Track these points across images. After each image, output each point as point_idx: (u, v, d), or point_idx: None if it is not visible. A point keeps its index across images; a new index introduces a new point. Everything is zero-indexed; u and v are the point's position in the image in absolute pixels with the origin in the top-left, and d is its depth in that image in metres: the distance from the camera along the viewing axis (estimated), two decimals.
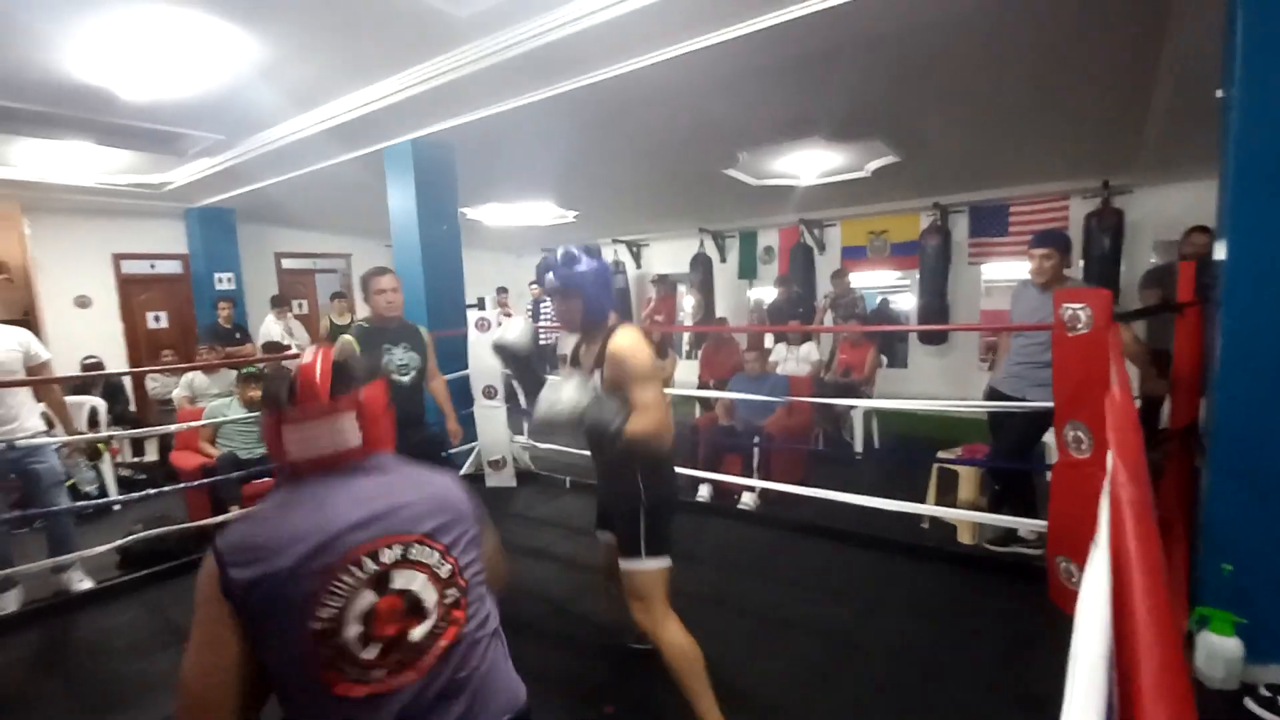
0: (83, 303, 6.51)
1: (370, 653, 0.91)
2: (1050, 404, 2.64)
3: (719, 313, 7.92)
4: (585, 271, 1.81)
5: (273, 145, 4.40)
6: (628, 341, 1.75)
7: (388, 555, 0.94)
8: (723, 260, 8.21)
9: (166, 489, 3.70)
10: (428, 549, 0.98)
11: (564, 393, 1.63)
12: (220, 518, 3.61)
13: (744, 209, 7.05)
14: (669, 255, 8.68)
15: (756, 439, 4.07)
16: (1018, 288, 3.27)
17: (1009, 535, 3.20)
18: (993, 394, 3.27)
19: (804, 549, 3.35)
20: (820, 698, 2.15)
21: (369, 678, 0.91)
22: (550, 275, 1.83)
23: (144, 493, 3.66)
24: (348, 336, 2.80)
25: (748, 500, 4.01)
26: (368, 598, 0.92)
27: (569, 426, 1.63)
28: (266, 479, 4.00)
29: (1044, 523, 2.70)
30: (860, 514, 3.25)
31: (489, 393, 4.55)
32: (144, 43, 2.81)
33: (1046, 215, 5.85)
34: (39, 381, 3.15)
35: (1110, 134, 4.29)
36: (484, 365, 4.44)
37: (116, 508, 4.41)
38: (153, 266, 7.00)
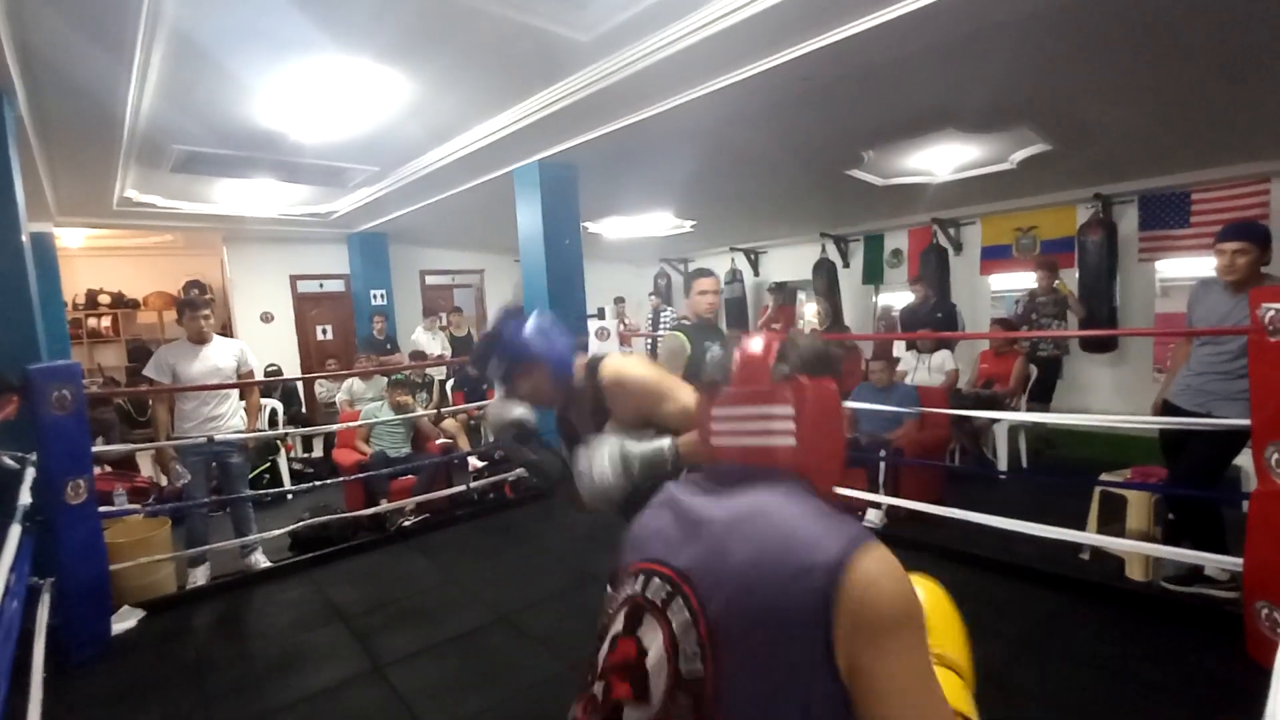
0: (266, 318, 7.52)
1: (597, 689, 0.74)
2: (1245, 421, 2.26)
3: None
4: (532, 332, 1.52)
5: (418, 174, 4.85)
6: (610, 365, 1.53)
7: (652, 587, 0.73)
8: (845, 265, 7.86)
9: (329, 482, 4.15)
10: (684, 604, 0.69)
11: (597, 454, 1.33)
12: (371, 510, 4.01)
13: (869, 211, 6.72)
14: (788, 262, 8.45)
15: (883, 453, 3.84)
16: (1197, 288, 2.83)
17: (1193, 574, 2.75)
18: (1167, 409, 2.85)
19: (937, 573, 3.08)
20: None
21: (581, 709, 0.75)
22: (495, 362, 1.51)
23: (311, 484, 4.14)
24: (679, 333, 2.92)
25: (872, 517, 3.79)
26: (618, 624, 0.75)
27: (622, 484, 1.32)
28: (411, 476, 4.38)
29: (1238, 561, 2.31)
30: (1004, 539, 2.96)
31: None
32: (318, 88, 3.22)
33: (1239, 202, 5.02)
34: (245, 384, 3.71)
35: None
36: None
37: (289, 497, 5.03)
38: (321, 285, 7.94)
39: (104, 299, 7.14)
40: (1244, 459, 2.64)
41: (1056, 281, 5.22)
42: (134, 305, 7.33)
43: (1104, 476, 3.23)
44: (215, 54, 2.81)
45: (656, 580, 0.72)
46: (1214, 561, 2.52)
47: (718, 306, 3.09)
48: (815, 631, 0.60)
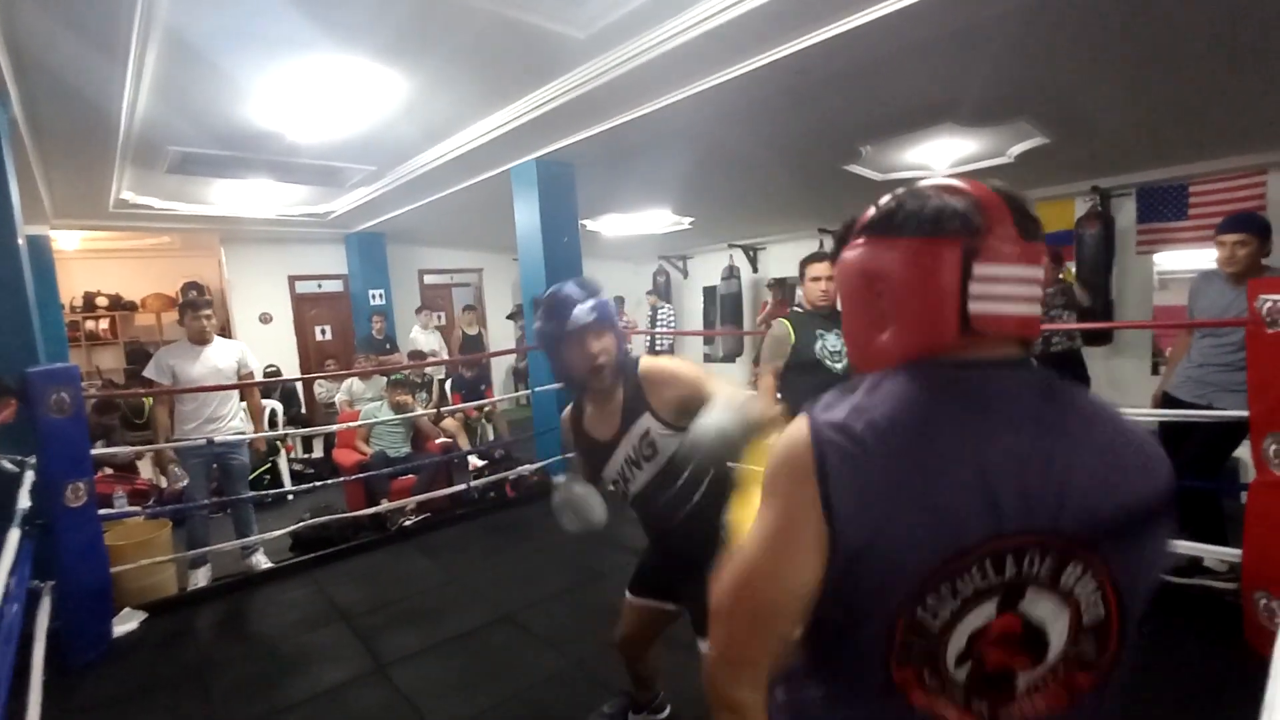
0: (265, 318, 7.51)
1: (960, 673, 0.64)
2: (1245, 413, 2.26)
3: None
4: (606, 300, 1.56)
5: (415, 173, 4.84)
6: (648, 359, 1.56)
7: (1034, 566, 0.62)
8: None
9: (330, 482, 4.15)
10: (1088, 574, 0.63)
11: (711, 418, 1.26)
12: (372, 510, 4.01)
13: (867, 206, 6.70)
14: (787, 258, 8.44)
15: None
16: (1198, 280, 2.84)
17: (1192, 565, 2.77)
18: (1168, 401, 2.86)
19: None
20: None
21: (944, 699, 0.65)
22: (583, 309, 1.49)
23: (311, 485, 4.14)
24: (784, 320, 2.76)
25: None
26: (986, 611, 0.63)
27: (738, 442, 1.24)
28: (411, 475, 4.39)
29: (1237, 551, 2.32)
30: None
31: None
32: (315, 87, 3.21)
33: (1237, 194, 5.02)
34: (244, 385, 3.71)
35: None
36: None
37: (290, 498, 5.03)
38: (319, 286, 7.93)
39: (101, 301, 7.12)
40: (1243, 451, 2.65)
41: (1061, 273, 5.19)
42: (132, 307, 7.31)
43: None
44: (210, 54, 2.80)
45: (1038, 559, 0.62)
46: (1212, 553, 2.53)
47: (832, 293, 2.69)
48: (1168, 517, 0.66)
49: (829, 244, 5.90)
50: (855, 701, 0.67)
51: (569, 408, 1.72)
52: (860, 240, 0.71)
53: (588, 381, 1.55)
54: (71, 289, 6.98)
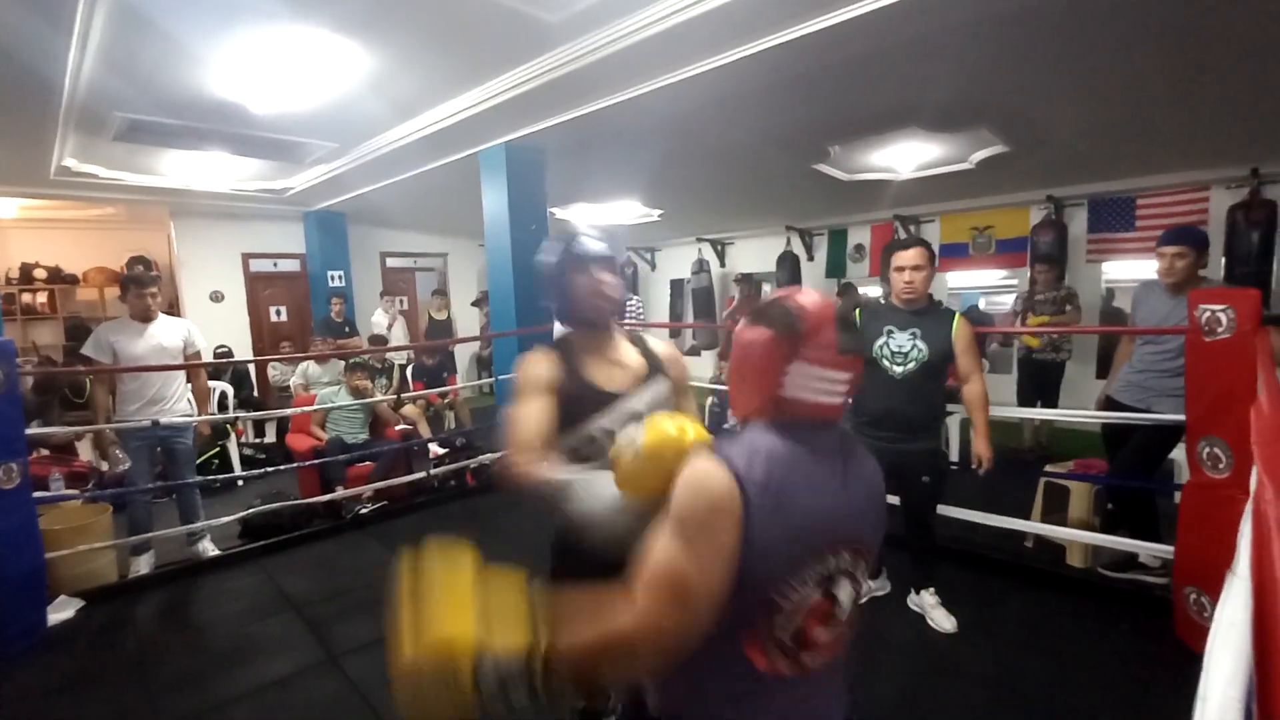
0: (216, 297, 7.23)
1: (787, 638, 0.87)
2: (1181, 417, 2.38)
3: None
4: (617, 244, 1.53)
5: (379, 152, 4.70)
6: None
7: (844, 561, 0.89)
8: (810, 259, 7.97)
9: (283, 468, 4.03)
10: (861, 563, 0.92)
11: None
12: (327, 497, 3.91)
13: (834, 205, 6.81)
14: (754, 254, 8.53)
15: None
16: (1140, 289, 2.96)
17: (1128, 561, 2.90)
18: (1110, 404, 2.98)
19: (891, 562, 3.19)
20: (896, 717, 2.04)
21: (776, 657, 0.87)
22: (594, 240, 1.44)
23: (263, 470, 4.02)
24: (856, 309, 2.54)
25: None
26: (814, 594, 0.87)
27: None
28: (368, 463, 4.29)
29: (1169, 549, 2.44)
30: (957, 528, 3.06)
31: None
32: (272, 59, 3.08)
33: (1181, 208, 5.26)
34: (192, 366, 3.57)
35: (1264, 114, 3.80)
36: None
37: (240, 483, 4.87)
38: (275, 265, 7.66)
39: (40, 274, 6.75)
40: (1179, 453, 2.78)
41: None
42: (73, 281, 6.95)
43: (1048, 468, 3.37)
44: (161, 19, 2.66)
45: (845, 555, 0.89)
46: (1147, 549, 2.66)
47: (919, 287, 2.41)
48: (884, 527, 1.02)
49: (796, 242, 5.94)
50: (717, 675, 0.88)
51: (538, 349, 1.45)
52: (747, 319, 0.93)
53: (593, 316, 1.42)
54: (7, 260, 6.61)
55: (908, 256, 2.42)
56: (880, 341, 2.43)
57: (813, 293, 0.92)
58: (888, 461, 2.14)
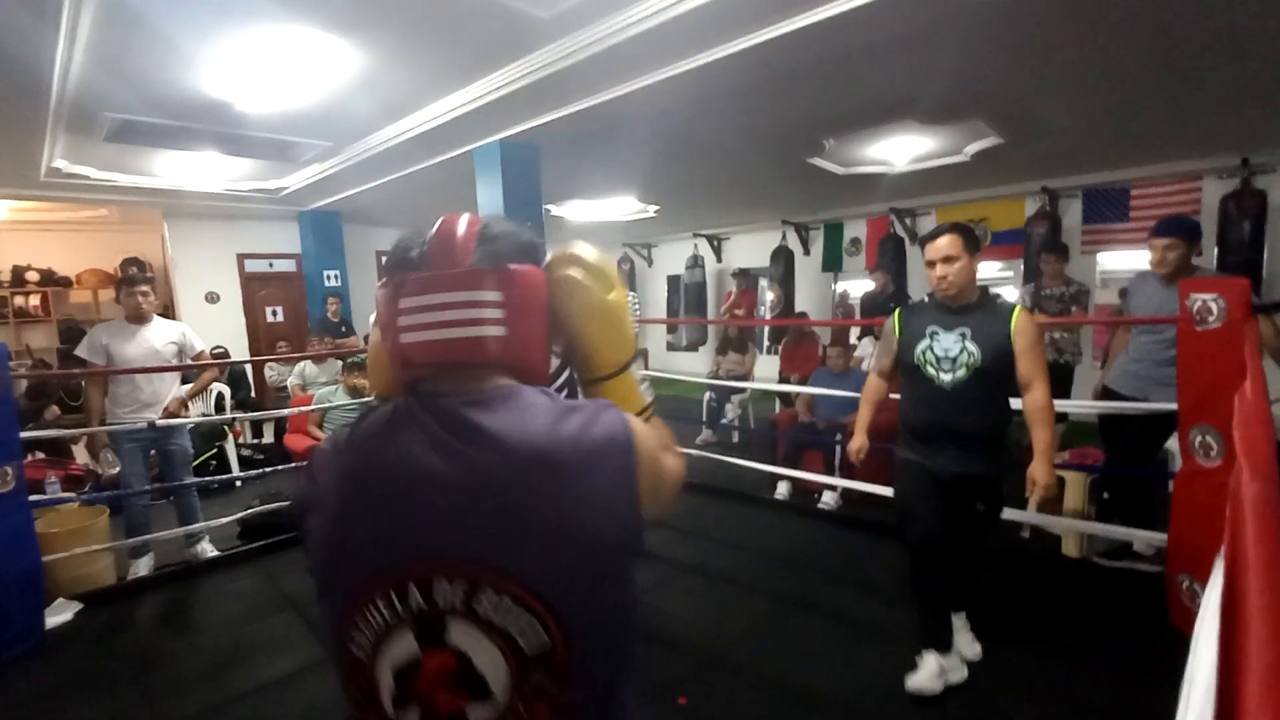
0: (212, 298, 7.20)
1: (408, 717, 0.60)
2: (1175, 406, 2.39)
3: (801, 306, 7.71)
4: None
5: (373, 150, 4.69)
6: None
7: (443, 594, 0.59)
8: (806, 253, 7.98)
9: (281, 468, 4.03)
10: (512, 605, 0.58)
11: None
12: None
13: (829, 199, 6.82)
14: (751, 248, 8.53)
15: (839, 437, 3.94)
16: (1135, 279, 2.98)
17: (1123, 549, 2.93)
18: (1106, 394, 3.00)
19: (890, 552, 3.21)
20: (905, 714, 2.06)
21: None
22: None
23: (261, 471, 4.01)
24: (898, 310, 2.30)
25: (828, 499, 3.89)
26: (407, 645, 0.60)
27: None
28: None
29: (1163, 536, 2.46)
30: None
31: None
32: (264, 57, 3.06)
33: (1174, 198, 5.29)
34: (195, 366, 3.58)
35: (1254, 105, 3.81)
36: None
37: (238, 484, 4.87)
38: (271, 265, 7.63)
39: (32, 276, 6.72)
40: (1174, 442, 2.80)
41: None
42: (65, 283, 6.93)
43: None
44: (152, 17, 2.64)
45: (448, 585, 0.58)
46: (1141, 537, 2.68)
47: (956, 281, 2.03)
48: (599, 544, 0.61)
49: (791, 236, 5.93)
50: None
51: None
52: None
53: None
54: None
55: (937, 247, 2.04)
56: (923, 345, 2.09)
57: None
58: (936, 482, 1.95)
